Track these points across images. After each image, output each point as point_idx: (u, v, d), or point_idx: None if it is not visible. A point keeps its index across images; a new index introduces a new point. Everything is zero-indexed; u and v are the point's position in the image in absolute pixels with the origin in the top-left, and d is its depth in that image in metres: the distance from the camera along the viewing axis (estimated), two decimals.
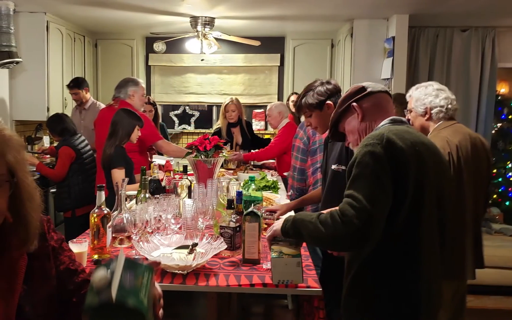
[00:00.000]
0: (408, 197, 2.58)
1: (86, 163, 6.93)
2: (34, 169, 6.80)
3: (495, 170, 9.49)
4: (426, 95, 4.27)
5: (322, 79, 4.36)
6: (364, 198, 2.48)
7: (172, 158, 6.67)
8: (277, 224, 3.07)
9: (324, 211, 2.75)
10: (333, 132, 3.25)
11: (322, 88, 4.25)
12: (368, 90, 3.01)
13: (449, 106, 4.22)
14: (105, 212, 3.54)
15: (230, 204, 3.72)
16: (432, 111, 4.23)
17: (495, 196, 9.44)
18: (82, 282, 2.07)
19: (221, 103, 8.73)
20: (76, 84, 8.45)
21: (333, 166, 4.05)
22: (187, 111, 12.10)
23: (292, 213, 4.23)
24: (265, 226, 3.94)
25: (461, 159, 4.00)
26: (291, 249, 3.08)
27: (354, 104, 3.01)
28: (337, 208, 2.59)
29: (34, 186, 1.85)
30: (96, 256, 3.52)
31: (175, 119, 12.07)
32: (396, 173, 2.55)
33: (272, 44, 11.24)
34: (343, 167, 3.86)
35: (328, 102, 4.19)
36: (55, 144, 7.72)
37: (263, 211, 4.10)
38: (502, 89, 9.94)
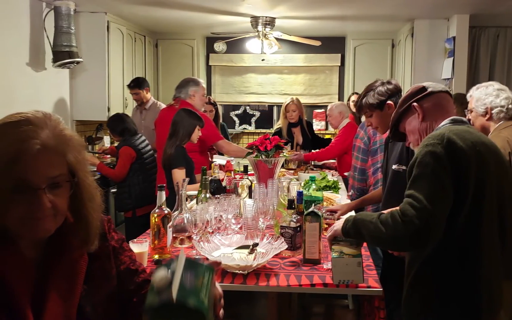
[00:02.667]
0: (468, 197, 2.56)
1: (146, 163, 6.98)
2: (95, 169, 6.89)
3: None
4: (487, 95, 4.24)
5: (382, 79, 4.34)
6: (425, 198, 2.47)
7: (232, 158, 6.65)
8: (338, 224, 3.05)
9: (385, 211, 2.74)
10: (393, 132, 3.25)
11: (383, 88, 4.22)
12: (429, 90, 2.99)
13: (510, 106, 4.19)
14: (166, 212, 3.55)
15: (290, 204, 3.72)
16: (492, 111, 4.19)
17: None
18: (143, 282, 2.08)
19: (282, 103, 8.72)
20: (137, 84, 8.52)
21: (394, 166, 4.03)
22: (247, 111, 12.18)
23: (352, 213, 4.20)
24: (326, 226, 3.91)
25: None
26: (351, 249, 3.07)
27: (415, 104, 2.99)
28: (397, 208, 2.58)
29: (94, 186, 1.87)
30: (156, 256, 3.54)
31: (235, 119, 12.15)
32: (456, 173, 2.53)
33: (332, 44, 11.24)
34: (404, 167, 3.82)
35: (389, 102, 4.17)
36: (115, 144, 7.79)
37: (323, 211, 4.07)
38: None
